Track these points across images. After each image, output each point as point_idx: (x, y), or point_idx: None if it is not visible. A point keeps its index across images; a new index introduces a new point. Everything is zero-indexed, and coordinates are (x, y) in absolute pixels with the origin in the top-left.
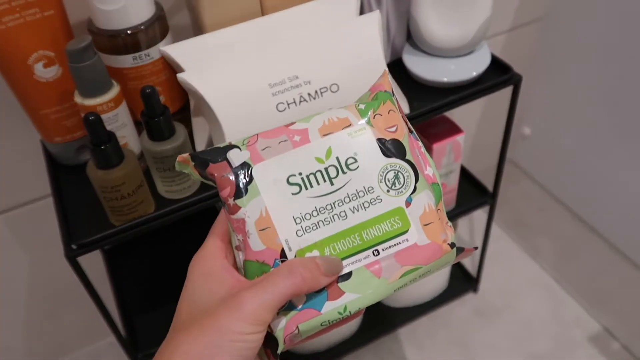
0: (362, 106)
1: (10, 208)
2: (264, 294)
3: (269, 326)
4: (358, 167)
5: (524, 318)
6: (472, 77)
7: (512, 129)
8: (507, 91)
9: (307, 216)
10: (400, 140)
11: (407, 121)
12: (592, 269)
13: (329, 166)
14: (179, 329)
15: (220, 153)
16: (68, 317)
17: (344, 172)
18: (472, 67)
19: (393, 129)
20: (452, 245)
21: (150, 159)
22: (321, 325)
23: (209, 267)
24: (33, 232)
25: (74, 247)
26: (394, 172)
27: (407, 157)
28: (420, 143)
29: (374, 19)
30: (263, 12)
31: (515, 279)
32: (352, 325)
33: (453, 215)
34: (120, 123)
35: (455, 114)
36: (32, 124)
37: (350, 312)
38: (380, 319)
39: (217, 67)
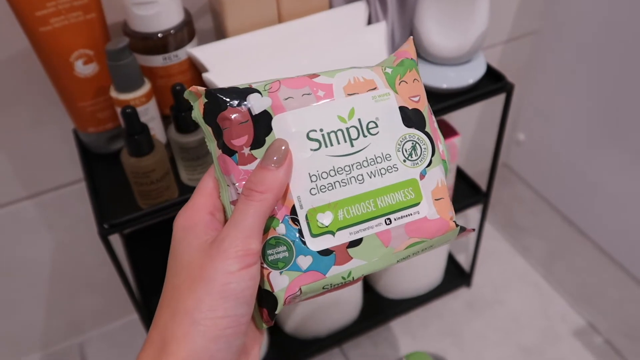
0: (388, 70)
1: (39, 192)
2: (240, 226)
3: (270, 285)
4: (378, 132)
5: (513, 312)
6: (469, 85)
7: (508, 135)
8: (502, 98)
9: (324, 175)
10: (422, 111)
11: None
12: (579, 268)
13: (351, 127)
14: (169, 288)
15: (239, 96)
16: (86, 298)
17: (364, 136)
18: (469, 75)
19: (416, 99)
20: (456, 223)
21: (176, 149)
22: (323, 288)
23: (190, 221)
24: (59, 216)
25: (106, 226)
26: (412, 143)
27: (426, 129)
28: (434, 118)
29: (381, 28)
30: (280, 20)
31: (506, 275)
32: (352, 314)
33: None
34: (150, 116)
35: (454, 119)
36: (68, 115)
37: (353, 278)
38: (378, 310)
39: (237, 68)
